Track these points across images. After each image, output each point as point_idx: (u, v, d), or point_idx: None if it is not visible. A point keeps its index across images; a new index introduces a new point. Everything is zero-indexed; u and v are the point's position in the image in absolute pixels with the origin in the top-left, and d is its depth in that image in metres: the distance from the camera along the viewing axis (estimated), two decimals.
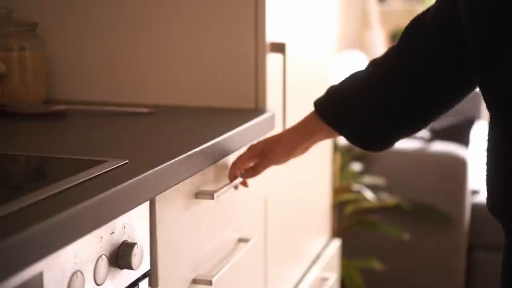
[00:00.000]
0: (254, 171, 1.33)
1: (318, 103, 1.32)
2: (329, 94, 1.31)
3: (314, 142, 1.34)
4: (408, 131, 1.25)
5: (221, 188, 1.23)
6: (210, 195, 1.19)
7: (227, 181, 1.32)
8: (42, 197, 0.84)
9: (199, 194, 1.19)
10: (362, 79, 1.26)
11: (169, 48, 1.59)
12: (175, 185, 1.07)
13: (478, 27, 1.02)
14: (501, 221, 1.04)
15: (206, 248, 1.26)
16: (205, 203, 1.23)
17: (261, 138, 1.54)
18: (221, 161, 1.29)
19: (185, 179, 1.11)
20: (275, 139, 1.32)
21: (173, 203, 1.11)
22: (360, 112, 1.25)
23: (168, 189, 1.05)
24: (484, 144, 1.06)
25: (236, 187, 1.34)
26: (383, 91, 1.23)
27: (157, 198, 1.05)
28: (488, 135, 1.04)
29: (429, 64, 1.18)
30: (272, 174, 1.49)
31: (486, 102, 1.03)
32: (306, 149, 1.34)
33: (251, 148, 1.32)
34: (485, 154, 1.05)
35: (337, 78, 4.13)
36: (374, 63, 1.26)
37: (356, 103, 1.26)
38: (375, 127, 1.25)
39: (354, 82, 1.28)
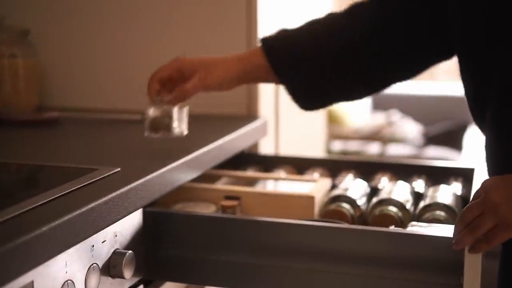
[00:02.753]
0: (184, 92, 1.17)
1: (266, 40, 1.21)
2: (280, 34, 1.21)
3: (250, 80, 1.23)
4: (356, 94, 1.20)
5: None
6: None
7: None
8: (34, 206, 0.83)
9: None
10: (322, 28, 1.19)
11: (162, 54, 1.58)
12: (167, 193, 1.07)
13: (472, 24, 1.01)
14: None
15: None
16: None
17: (255, 144, 1.54)
18: None
19: (177, 187, 1.11)
20: (212, 60, 1.20)
21: None
22: (307, 60, 1.17)
23: (160, 197, 1.05)
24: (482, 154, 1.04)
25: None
26: (350, 43, 1.15)
27: None
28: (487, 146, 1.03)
29: (410, 24, 1.13)
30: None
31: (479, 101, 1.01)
32: (237, 83, 1.21)
33: (175, 60, 1.19)
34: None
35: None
36: (340, 14, 1.19)
37: (306, 50, 1.17)
38: (320, 81, 1.18)
39: (310, 29, 1.20)
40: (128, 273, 0.96)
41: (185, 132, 1.14)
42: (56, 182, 0.94)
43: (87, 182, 0.95)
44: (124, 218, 0.98)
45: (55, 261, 0.82)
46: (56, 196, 0.88)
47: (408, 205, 1.17)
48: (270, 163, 1.45)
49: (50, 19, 1.64)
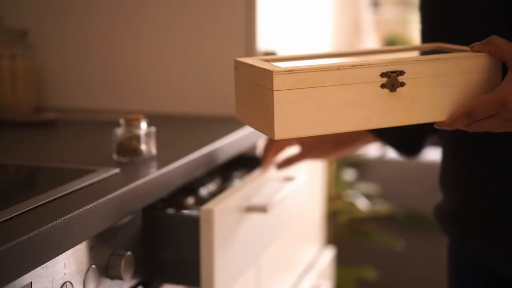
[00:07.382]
0: (289, 163, 1.32)
1: None
2: None
3: (356, 148, 1.32)
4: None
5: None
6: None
7: None
8: (32, 207, 0.83)
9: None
10: None
11: (161, 56, 1.58)
12: (166, 194, 1.07)
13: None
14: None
15: None
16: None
17: (253, 147, 1.53)
18: None
19: (176, 188, 1.10)
20: (314, 139, 1.29)
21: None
22: None
23: (159, 198, 1.04)
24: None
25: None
26: None
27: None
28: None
29: None
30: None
31: None
32: (348, 152, 1.32)
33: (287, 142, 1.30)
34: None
35: None
36: None
37: None
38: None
39: None
40: (127, 275, 0.95)
41: (154, 153, 1.12)
42: (55, 183, 0.94)
43: (85, 184, 0.94)
44: (123, 220, 0.97)
45: (53, 263, 0.82)
46: (55, 197, 0.87)
47: None
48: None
49: (49, 20, 1.64)
